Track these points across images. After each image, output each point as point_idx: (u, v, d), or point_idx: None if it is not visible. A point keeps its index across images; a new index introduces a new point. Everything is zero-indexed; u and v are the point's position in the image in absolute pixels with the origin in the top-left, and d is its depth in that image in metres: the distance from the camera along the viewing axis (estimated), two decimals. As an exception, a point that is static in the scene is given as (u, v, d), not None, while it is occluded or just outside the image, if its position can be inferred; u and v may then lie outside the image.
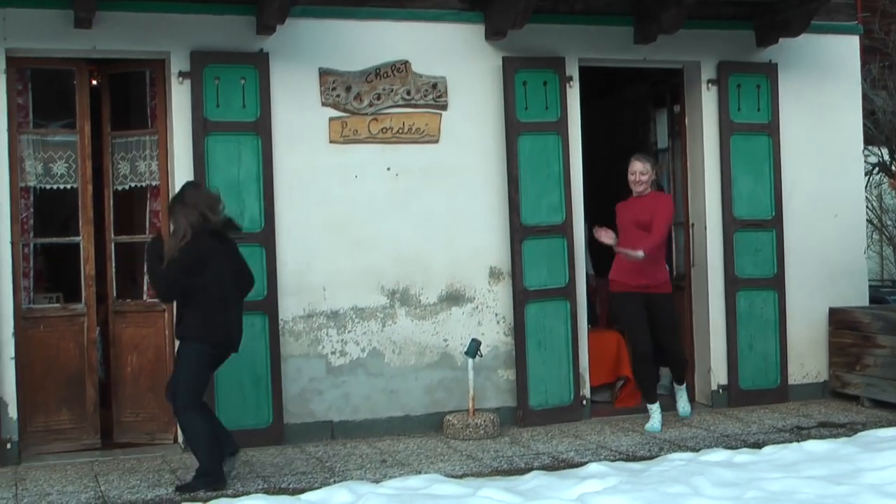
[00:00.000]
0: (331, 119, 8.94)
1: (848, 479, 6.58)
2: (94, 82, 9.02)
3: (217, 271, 7.38)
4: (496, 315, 9.30)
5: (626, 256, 8.74)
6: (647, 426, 9.01)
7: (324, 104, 8.94)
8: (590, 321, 9.89)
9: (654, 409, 9.06)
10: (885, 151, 13.21)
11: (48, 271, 9.62)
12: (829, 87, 10.24)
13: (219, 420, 7.69)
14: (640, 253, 8.61)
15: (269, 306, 8.70)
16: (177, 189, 8.53)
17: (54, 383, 8.61)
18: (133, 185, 8.93)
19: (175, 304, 7.80)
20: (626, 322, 9.15)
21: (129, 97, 9.23)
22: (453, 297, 9.21)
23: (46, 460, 8.31)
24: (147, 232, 8.88)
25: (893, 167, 13.12)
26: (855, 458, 7.20)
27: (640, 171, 8.92)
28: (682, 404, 9.32)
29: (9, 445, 8.17)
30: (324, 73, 8.93)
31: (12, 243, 8.28)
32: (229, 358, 8.37)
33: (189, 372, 7.42)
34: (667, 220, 8.91)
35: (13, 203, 8.33)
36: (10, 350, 8.22)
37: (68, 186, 8.71)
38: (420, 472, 7.56)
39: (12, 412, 8.22)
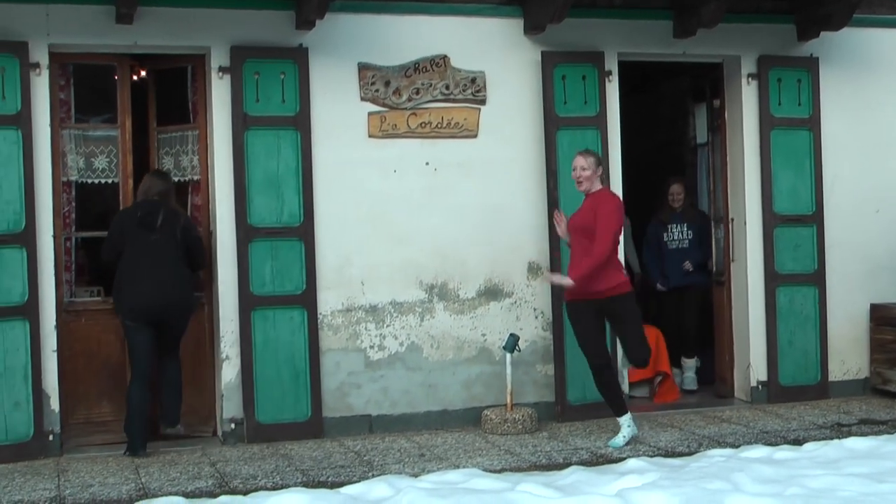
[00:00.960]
0: (370, 113, 8.96)
1: (890, 477, 6.53)
2: (135, 77, 9.07)
3: (129, 246, 8.28)
4: (534, 310, 9.29)
5: (557, 285, 8.45)
6: (611, 441, 8.32)
7: (363, 99, 8.96)
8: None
9: (625, 421, 8.34)
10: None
11: (89, 265, 9.68)
12: (870, 81, 10.16)
13: (168, 391, 8.48)
14: (569, 281, 8.05)
15: (308, 300, 8.73)
16: (216, 184, 8.64)
17: (95, 376, 8.68)
18: (177, 179, 9.00)
19: None
20: (577, 334, 8.33)
21: (173, 92, 9.27)
22: (491, 292, 9.21)
23: (88, 452, 8.39)
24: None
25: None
26: (897, 456, 7.17)
27: (580, 165, 8.22)
28: (618, 435, 8.38)
29: (51, 437, 8.25)
30: (363, 68, 8.95)
31: (54, 237, 8.35)
32: (269, 352, 8.49)
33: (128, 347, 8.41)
34: (610, 230, 8.03)
35: (55, 197, 8.40)
36: (53, 342, 8.30)
37: (109, 181, 8.77)
38: (458, 467, 7.56)
39: (54, 404, 8.30)
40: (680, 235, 10.55)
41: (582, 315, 8.24)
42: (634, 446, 8.23)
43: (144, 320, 8.22)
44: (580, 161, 8.25)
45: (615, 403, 8.36)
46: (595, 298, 8.12)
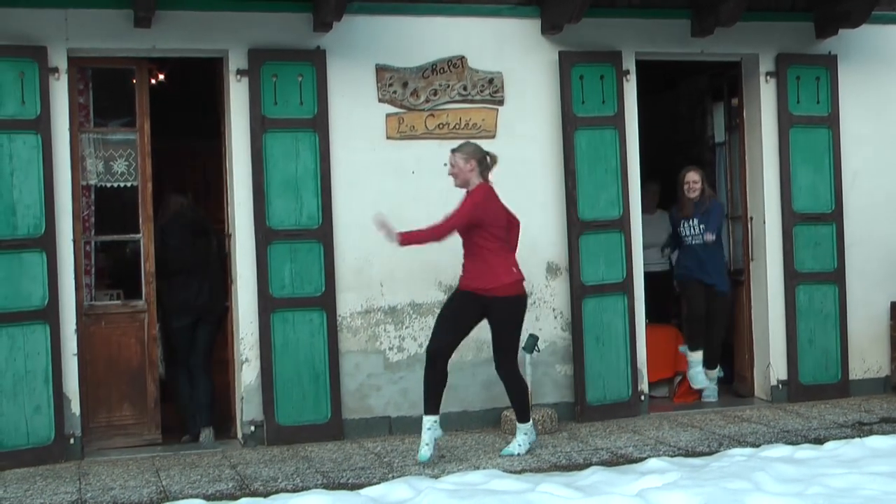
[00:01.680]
0: (388, 115, 8.97)
1: (913, 476, 6.51)
2: (153, 81, 9.10)
3: (172, 251, 8.95)
4: (553, 310, 9.28)
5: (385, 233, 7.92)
6: (420, 454, 7.88)
7: (380, 100, 8.96)
8: (650, 316, 9.82)
9: (428, 424, 7.93)
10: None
11: (109, 268, 9.71)
12: (890, 78, 10.12)
13: (199, 405, 9.04)
14: (394, 235, 7.84)
15: (328, 302, 8.74)
16: (235, 187, 8.66)
17: (116, 379, 8.70)
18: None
19: None
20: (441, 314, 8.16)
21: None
22: (510, 293, 9.19)
23: (109, 455, 8.42)
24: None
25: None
26: (919, 454, 7.14)
27: (450, 161, 8.06)
28: (514, 444, 8.12)
29: (72, 440, 8.28)
30: (380, 70, 8.95)
31: (74, 241, 8.38)
32: (288, 354, 8.51)
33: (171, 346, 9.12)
34: (459, 217, 7.92)
35: (75, 201, 8.43)
36: (73, 346, 8.33)
37: (128, 184, 8.79)
38: (479, 468, 7.56)
39: (75, 408, 8.33)
40: (692, 231, 9.91)
41: (458, 302, 8.11)
42: (654, 446, 8.22)
43: (190, 320, 8.98)
44: (449, 158, 8.06)
45: (427, 401, 7.97)
46: (481, 295, 7.97)
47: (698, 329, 9.92)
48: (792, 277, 9.76)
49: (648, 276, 9.81)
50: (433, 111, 9.06)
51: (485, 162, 8.04)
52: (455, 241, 8.96)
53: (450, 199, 8.98)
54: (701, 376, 9.89)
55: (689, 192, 9.87)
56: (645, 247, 9.63)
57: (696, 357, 9.90)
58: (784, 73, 9.76)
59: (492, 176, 8.09)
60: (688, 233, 9.94)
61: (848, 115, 9.94)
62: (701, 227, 9.82)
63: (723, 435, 8.58)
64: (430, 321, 8.99)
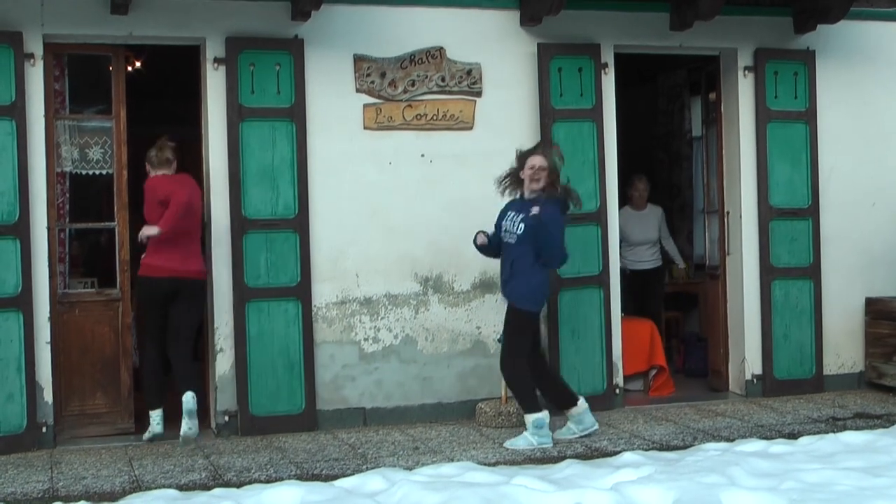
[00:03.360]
0: (365, 105, 8.93)
1: (886, 471, 6.54)
2: (130, 68, 9.03)
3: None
4: (530, 303, 9.27)
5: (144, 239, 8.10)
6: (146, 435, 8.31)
7: (358, 90, 8.93)
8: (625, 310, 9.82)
9: (155, 417, 8.31)
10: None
11: (84, 256, 9.65)
12: (867, 74, 10.15)
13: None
14: (156, 230, 7.97)
15: (303, 292, 8.71)
16: (211, 175, 8.61)
17: (89, 368, 8.64)
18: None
19: None
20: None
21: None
22: (486, 285, 9.19)
23: (81, 444, 8.37)
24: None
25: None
26: (892, 450, 7.18)
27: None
28: (184, 426, 8.01)
29: (44, 429, 8.23)
30: (358, 60, 8.92)
31: (48, 228, 8.32)
32: (263, 344, 8.48)
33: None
34: (180, 202, 8.02)
35: (49, 188, 8.37)
36: (46, 334, 8.28)
37: (104, 172, 8.73)
38: (453, 460, 7.55)
39: (48, 396, 8.28)
40: (510, 227, 8.26)
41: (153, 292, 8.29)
42: (629, 440, 8.22)
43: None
44: None
45: (153, 396, 8.31)
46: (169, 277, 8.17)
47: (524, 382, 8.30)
48: (768, 272, 9.78)
49: (638, 274, 9.79)
50: (411, 102, 9.04)
51: (150, 157, 8.32)
52: (427, 233, 9.02)
53: (427, 190, 9.03)
54: (588, 418, 8.42)
55: (530, 180, 8.19)
56: (637, 244, 9.57)
57: (537, 418, 8.17)
58: (762, 68, 9.77)
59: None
60: (506, 228, 8.31)
61: (825, 111, 9.96)
62: (522, 225, 8.10)
63: (697, 429, 8.59)
64: (406, 312, 9.00)
